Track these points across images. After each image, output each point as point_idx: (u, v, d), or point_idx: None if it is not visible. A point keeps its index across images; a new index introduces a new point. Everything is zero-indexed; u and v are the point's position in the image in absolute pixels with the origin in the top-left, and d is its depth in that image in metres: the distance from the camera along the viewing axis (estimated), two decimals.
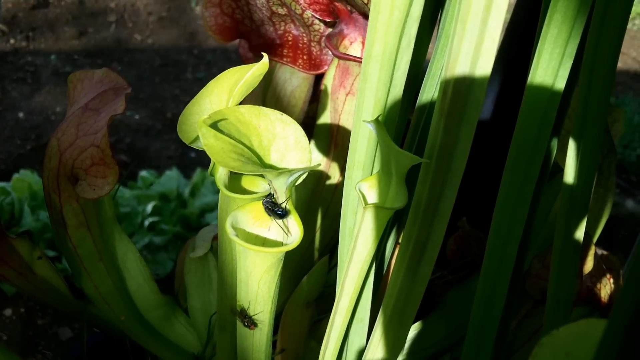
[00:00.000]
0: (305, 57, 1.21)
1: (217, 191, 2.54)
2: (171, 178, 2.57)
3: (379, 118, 0.76)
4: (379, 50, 0.73)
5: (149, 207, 2.42)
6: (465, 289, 1.32)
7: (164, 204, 2.47)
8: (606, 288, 1.27)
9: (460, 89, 0.68)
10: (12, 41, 3.67)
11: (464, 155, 0.72)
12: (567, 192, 0.98)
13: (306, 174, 0.74)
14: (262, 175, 0.87)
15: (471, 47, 0.66)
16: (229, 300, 0.97)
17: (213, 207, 2.45)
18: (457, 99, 0.69)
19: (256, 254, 0.78)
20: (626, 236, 2.61)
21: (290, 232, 0.78)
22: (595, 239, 1.26)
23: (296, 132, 0.74)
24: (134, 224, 2.37)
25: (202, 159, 3.12)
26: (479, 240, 1.37)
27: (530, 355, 0.51)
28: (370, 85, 0.76)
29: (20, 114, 3.18)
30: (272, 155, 0.75)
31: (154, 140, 3.19)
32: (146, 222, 2.37)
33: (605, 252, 1.28)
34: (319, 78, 1.24)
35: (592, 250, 1.21)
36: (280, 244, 0.81)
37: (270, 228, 0.81)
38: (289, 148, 0.74)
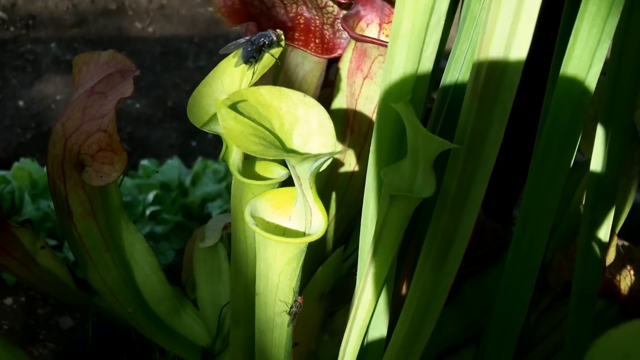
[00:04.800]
0: (317, 41, 1.17)
1: (219, 180, 2.52)
2: (172, 167, 2.54)
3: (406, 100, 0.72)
4: (407, 28, 0.69)
5: (150, 196, 2.39)
6: (481, 282, 1.28)
7: (165, 193, 2.44)
8: (626, 280, 1.24)
9: (494, 71, 0.64)
10: (12, 29, 3.63)
11: (497, 141, 0.68)
12: (594, 181, 0.94)
13: (331, 159, 0.70)
14: (278, 161, 0.84)
15: (506, 26, 0.62)
16: (244, 292, 0.94)
17: (214, 196, 2.42)
18: (490, 81, 0.65)
19: (277, 244, 0.74)
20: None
21: (313, 221, 0.74)
22: (617, 230, 1.22)
23: (320, 115, 0.70)
24: (135, 213, 2.34)
25: (203, 148, 3.09)
26: (496, 231, 1.33)
27: (585, 356, 0.47)
28: (397, 66, 0.71)
29: (20, 103, 3.14)
30: (295, 139, 0.71)
31: (154, 129, 3.16)
32: (147, 211, 2.34)
33: (626, 243, 1.24)
34: (331, 63, 1.21)
35: (614, 241, 1.17)
36: (302, 234, 0.77)
37: (291, 217, 0.77)
38: (312, 132, 0.70)
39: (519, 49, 0.62)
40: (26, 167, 2.33)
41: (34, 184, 2.28)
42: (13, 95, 3.21)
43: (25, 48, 3.56)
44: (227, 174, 2.49)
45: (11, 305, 2.04)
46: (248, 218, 0.72)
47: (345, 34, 1.14)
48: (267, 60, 0.78)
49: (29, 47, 3.57)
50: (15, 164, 2.34)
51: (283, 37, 0.89)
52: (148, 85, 3.37)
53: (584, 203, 1.03)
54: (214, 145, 3.07)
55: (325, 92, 1.20)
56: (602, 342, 0.47)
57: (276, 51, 0.86)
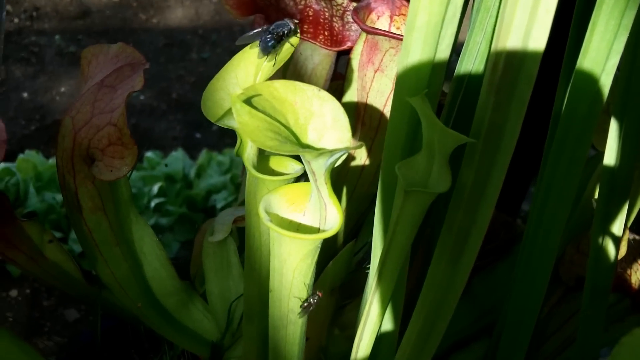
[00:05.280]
0: (326, 33, 1.16)
1: (223, 172, 2.52)
2: (177, 159, 2.54)
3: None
4: (423, 21, 0.68)
5: (155, 188, 2.39)
6: (492, 276, 1.27)
7: (170, 185, 2.43)
8: (637, 274, 1.23)
9: (511, 62, 0.63)
10: (16, 21, 3.62)
11: (515, 134, 0.67)
12: (608, 174, 0.93)
13: (347, 154, 0.69)
14: (293, 156, 0.83)
15: (525, 17, 0.61)
16: (257, 289, 0.93)
17: (219, 188, 2.42)
18: (508, 73, 0.64)
19: (292, 240, 0.73)
20: None
21: (328, 217, 0.73)
22: (629, 223, 1.21)
23: (334, 109, 0.69)
24: (140, 205, 2.33)
25: (208, 140, 3.08)
26: (506, 225, 1.32)
27: (610, 356, 0.46)
28: (413, 59, 0.71)
29: (25, 94, 3.14)
30: (310, 134, 0.70)
31: (159, 120, 3.15)
32: (152, 204, 2.34)
33: (637, 237, 1.23)
34: (339, 55, 1.20)
35: (626, 235, 1.16)
36: (317, 230, 0.76)
37: (305, 213, 0.76)
38: (327, 126, 0.69)
39: (538, 40, 0.61)
40: (31, 159, 2.32)
41: (38, 176, 2.28)
42: (17, 87, 3.20)
43: (29, 40, 3.55)
44: (232, 165, 2.48)
45: (16, 297, 2.04)
46: (262, 214, 0.71)
47: (354, 26, 1.13)
48: (285, 52, 0.77)
49: (33, 39, 3.56)
50: (20, 156, 2.33)
51: (299, 26, 0.87)
52: (152, 77, 3.36)
53: (596, 197, 1.02)
54: (218, 137, 3.07)
55: (334, 84, 1.19)
56: (627, 341, 0.46)
57: (294, 41, 0.84)
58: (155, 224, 2.28)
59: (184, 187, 2.45)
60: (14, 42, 3.51)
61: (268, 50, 0.82)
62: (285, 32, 0.84)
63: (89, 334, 1.41)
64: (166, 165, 2.43)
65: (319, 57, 1.16)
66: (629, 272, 1.23)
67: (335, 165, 0.69)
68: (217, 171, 2.50)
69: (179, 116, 3.21)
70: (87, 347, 1.40)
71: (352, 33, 1.14)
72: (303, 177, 0.81)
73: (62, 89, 3.21)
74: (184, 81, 3.42)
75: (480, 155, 0.68)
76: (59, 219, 2.20)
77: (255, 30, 0.87)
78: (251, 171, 0.78)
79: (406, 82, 0.72)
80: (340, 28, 1.15)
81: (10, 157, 2.41)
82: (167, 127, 3.14)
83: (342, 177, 1.12)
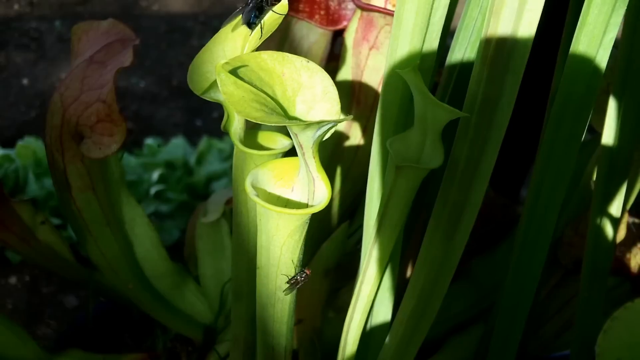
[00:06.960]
0: (322, 12, 1.15)
1: (224, 159, 2.51)
2: (177, 146, 2.52)
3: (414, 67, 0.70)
4: None
5: (155, 175, 2.37)
6: (490, 258, 1.26)
7: (170, 172, 2.42)
8: (637, 258, 1.21)
9: (506, 34, 0.61)
10: (16, 7, 3.60)
11: (509, 108, 0.66)
12: (607, 155, 0.91)
13: (335, 127, 0.67)
14: (282, 131, 0.81)
15: None
16: (246, 266, 0.91)
17: (220, 175, 2.41)
18: (502, 46, 0.62)
19: (279, 216, 0.71)
20: None
21: (316, 192, 0.72)
22: (628, 206, 1.19)
23: (324, 81, 0.67)
24: (140, 192, 2.32)
25: (208, 127, 3.07)
26: (505, 207, 1.30)
27: (602, 330, 0.45)
28: (405, 31, 0.69)
29: (25, 81, 3.12)
30: (298, 106, 0.68)
31: (159, 107, 3.14)
32: (152, 190, 2.33)
33: (637, 220, 1.22)
34: (336, 36, 1.18)
35: (625, 218, 1.15)
36: (305, 206, 0.74)
37: (293, 188, 0.74)
38: (317, 99, 0.67)
39: (532, 12, 0.60)
40: (30, 146, 2.31)
41: (38, 163, 2.27)
42: (17, 74, 3.19)
43: (29, 26, 3.54)
44: (233, 152, 2.47)
45: (15, 284, 2.03)
46: (249, 188, 0.70)
47: (350, 5, 1.12)
48: (272, 23, 0.75)
49: (33, 25, 3.55)
50: (19, 142, 2.32)
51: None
52: (153, 64, 3.34)
53: (594, 179, 1.01)
54: (219, 123, 3.05)
55: (330, 65, 1.18)
56: (620, 315, 0.45)
57: (280, 9, 0.80)
58: (155, 211, 2.27)
59: (184, 174, 2.43)
60: (14, 28, 3.49)
61: (250, 21, 0.78)
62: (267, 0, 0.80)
63: (83, 318, 1.40)
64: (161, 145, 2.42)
65: (315, 37, 1.15)
66: (628, 256, 1.21)
67: (324, 138, 0.67)
68: (218, 158, 2.49)
69: (180, 103, 3.20)
70: (80, 331, 1.39)
71: (348, 12, 1.13)
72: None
73: (63, 75, 3.20)
74: (185, 68, 3.38)
75: (474, 129, 0.67)
76: (58, 205, 2.19)
77: (238, 9, 0.84)
78: (238, 145, 0.77)
79: (398, 54, 0.70)
80: (336, 7, 1.13)
81: (9, 143, 2.40)
82: (167, 114, 3.13)
83: (336, 157, 1.11)
